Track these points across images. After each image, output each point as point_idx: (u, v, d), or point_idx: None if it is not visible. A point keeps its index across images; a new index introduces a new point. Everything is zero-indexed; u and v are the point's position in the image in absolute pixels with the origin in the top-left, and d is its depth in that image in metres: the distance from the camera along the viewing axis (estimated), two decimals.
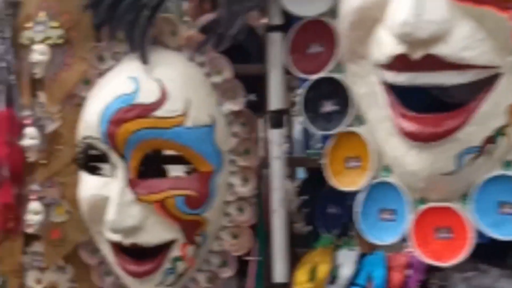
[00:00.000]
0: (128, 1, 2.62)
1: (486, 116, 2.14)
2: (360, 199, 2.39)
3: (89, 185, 2.68)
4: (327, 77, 2.43)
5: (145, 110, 2.50)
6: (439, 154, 2.16)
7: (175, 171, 2.64)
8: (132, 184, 2.55)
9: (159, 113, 2.50)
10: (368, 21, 2.23)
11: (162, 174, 2.64)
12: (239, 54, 2.62)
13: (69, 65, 2.85)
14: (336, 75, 2.42)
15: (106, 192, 2.58)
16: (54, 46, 2.85)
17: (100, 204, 2.61)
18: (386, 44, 2.16)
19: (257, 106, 2.64)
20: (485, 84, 2.12)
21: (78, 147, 2.70)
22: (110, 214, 2.54)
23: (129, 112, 2.52)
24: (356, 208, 2.39)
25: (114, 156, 2.57)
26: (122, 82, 2.57)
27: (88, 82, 2.81)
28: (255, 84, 2.66)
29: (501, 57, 2.09)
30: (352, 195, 2.47)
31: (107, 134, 2.54)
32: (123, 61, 2.71)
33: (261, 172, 2.62)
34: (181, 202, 2.53)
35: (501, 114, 2.14)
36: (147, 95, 2.52)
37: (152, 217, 2.57)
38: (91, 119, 2.60)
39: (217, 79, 2.61)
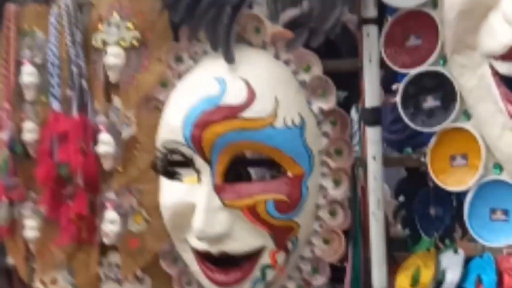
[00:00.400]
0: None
1: None
2: (468, 199, 2.24)
3: (171, 192, 2.55)
4: (429, 71, 2.27)
5: (233, 112, 2.37)
6: None
7: (263, 174, 2.50)
8: (218, 189, 2.42)
9: (247, 114, 2.37)
10: (479, 9, 2.10)
11: (249, 178, 2.50)
12: (327, 49, 2.48)
13: (145, 67, 2.73)
14: (439, 68, 2.25)
15: (191, 199, 2.46)
16: (128, 48, 2.73)
17: (184, 211, 2.48)
18: (501, 32, 2.02)
19: (347, 103, 2.49)
20: None
21: (158, 152, 2.57)
22: (198, 221, 2.41)
23: (216, 114, 2.39)
24: (465, 209, 2.23)
25: (199, 161, 2.44)
26: (206, 83, 2.44)
27: (165, 85, 2.69)
28: (344, 80, 2.51)
29: None
30: (456, 195, 2.32)
31: (192, 138, 2.41)
32: (204, 61, 2.59)
33: (354, 173, 2.45)
34: (272, 207, 2.40)
35: None
36: (234, 96, 2.39)
37: (240, 223, 2.44)
38: (174, 122, 2.47)
39: (305, 76, 2.48)
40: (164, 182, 2.59)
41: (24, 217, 2.99)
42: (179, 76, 2.64)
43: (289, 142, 2.40)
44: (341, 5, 2.29)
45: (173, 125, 2.47)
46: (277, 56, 2.50)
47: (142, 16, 2.72)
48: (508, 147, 2.12)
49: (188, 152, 2.44)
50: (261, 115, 2.37)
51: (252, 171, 2.55)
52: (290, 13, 2.62)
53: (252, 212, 2.41)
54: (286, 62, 2.50)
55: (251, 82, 2.40)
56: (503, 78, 2.08)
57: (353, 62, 2.45)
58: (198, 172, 2.45)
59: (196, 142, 2.40)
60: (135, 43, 2.72)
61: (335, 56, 2.57)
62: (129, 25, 2.72)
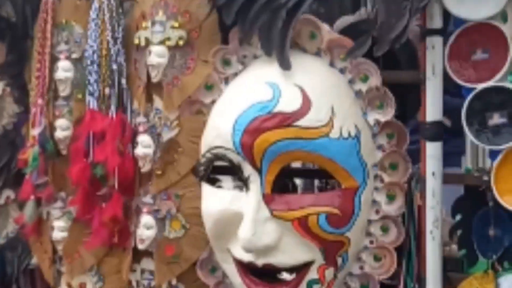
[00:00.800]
0: (262, 1, 2.37)
1: None
2: None
3: (216, 199, 2.45)
4: (496, 86, 2.18)
5: (287, 119, 2.27)
6: None
7: (310, 186, 2.41)
8: (267, 199, 2.33)
9: (302, 122, 2.27)
10: None
11: (294, 189, 2.41)
12: (384, 58, 2.38)
13: (191, 68, 2.62)
14: (507, 85, 2.16)
15: (238, 207, 2.36)
16: (174, 48, 2.63)
17: (230, 220, 2.39)
18: None
19: (403, 116, 2.39)
20: None
21: (203, 157, 2.46)
22: (245, 231, 2.31)
23: (269, 121, 2.29)
24: None
25: (248, 168, 2.34)
26: (259, 88, 2.34)
27: (210, 88, 2.59)
28: (400, 92, 2.41)
29: None
30: None
31: (242, 145, 2.31)
32: (254, 65, 2.48)
33: (410, 188, 2.36)
34: (324, 220, 2.30)
35: None
36: (288, 103, 2.29)
37: (289, 235, 2.34)
38: (223, 127, 2.36)
39: (362, 86, 2.38)
40: (207, 189, 2.50)
41: (53, 218, 2.87)
42: (226, 80, 2.54)
43: (344, 154, 2.30)
44: (408, 14, 2.18)
45: (222, 130, 2.37)
46: (332, 64, 2.41)
47: (189, 15, 2.62)
48: None
49: (236, 159, 2.34)
50: (317, 124, 2.27)
51: (299, 182, 2.44)
52: (347, 19, 2.52)
53: (303, 225, 2.31)
54: (342, 71, 2.41)
55: (306, 90, 2.31)
56: None
57: (414, 74, 2.35)
58: (245, 180, 2.35)
59: (246, 149, 2.30)
60: (181, 43, 2.61)
61: (392, 67, 2.45)
62: (175, 24, 2.62)
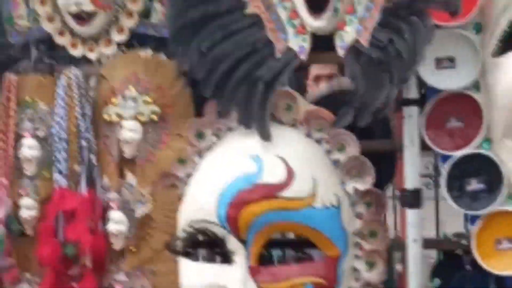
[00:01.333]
0: (239, 74, 2.42)
1: None
2: None
3: (198, 274, 2.44)
4: (474, 154, 2.26)
5: (272, 191, 2.30)
6: None
7: (297, 256, 2.43)
8: (253, 272, 2.34)
9: (287, 194, 2.31)
10: None
11: (282, 260, 2.42)
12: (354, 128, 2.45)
13: (165, 143, 2.63)
14: (484, 152, 2.25)
15: (222, 281, 2.35)
16: (147, 123, 2.62)
17: None
18: None
19: (378, 184, 2.46)
20: None
21: (183, 232, 2.45)
22: None
23: (254, 193, 2.31)
24: None
25: (232, 241, 2.35)
26: (240, 160, 2.37)
27: (183, 161, 2.58)
28: (374, 161, 2.48)
29: None
30: (496, 279, 2.30)
31: (227, 218, 2.32)
32: (230, 138, 2.51)
33: (390, 256, 2.41)
34: None
35: None
36: (272, 175, 2.33)
37: None
38: (205, 201, 2.37)
39: (340, 156, 2.43)
40: (187, 264, 2.47)
41: None
42: (200, 153, 2.54)
43: (327, 223, 2.35)
44: (389, 84, 2.26)
45: (204, 204, 2.38)
46: (308, 135, 2.44)
47: (162, 90, 2.64)
48: None
49: (220, 232, 2.35)
50: (301, 195, 2.31)
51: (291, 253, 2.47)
52: (321, 90, 2.58)
53: None
54: (318, 141, 2.44)
55: (288, 161, 2.34)
56: None
57: (389, 142, 2.42)
58: (230, 253, 2.35)
59: (231, 222, 2.31)
60: (154, 117, 2.61)
61: (364, 135, 2.52)
62: (148, 99, 2.62)
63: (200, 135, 2.56)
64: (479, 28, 2.32)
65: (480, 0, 2.30)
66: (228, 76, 2.44)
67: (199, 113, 2.60)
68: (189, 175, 2.55)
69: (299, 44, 2.44)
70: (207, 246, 2.47)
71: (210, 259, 2.46)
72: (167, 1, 2.64)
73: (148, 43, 2.74)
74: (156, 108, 2.63)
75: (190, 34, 2.49)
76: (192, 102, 2.64)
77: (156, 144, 2.64)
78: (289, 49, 2.44)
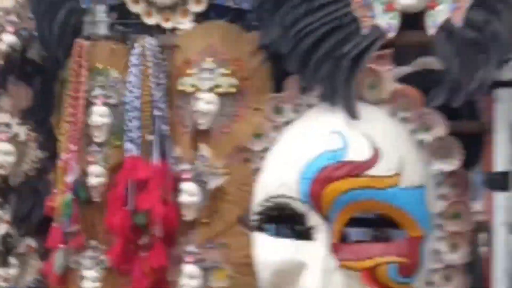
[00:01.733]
0: (323, 50, 2.39)
1: None
2: None
3: (276, 248, 2.41)
4: None
5: (357, 169, 2.28)
6: None
7: (377, 235, 2.41)
8: (336, 249, 2.31)
9: (373, 172, 2.28)
10: None
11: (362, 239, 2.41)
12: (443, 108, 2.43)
13: (241, 116, 2.60)
14: None
15: (302, 257, 2.33)
16: (223, 95, 2.60)
17: (292, 270, 2.36)
18: None
19: (465, 166, 2.44)
20: None
21: (260, 206, 2.43)
22: (312, 282, 2.30)
23: (338, 170, 2.28)
24: None
25: (314, 218, 2.32)
26: (326, 137, 2.34)
27: (260, 136, 2.56)
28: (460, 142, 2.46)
29: None
30: None
31: (310, 194, 2.30)
32: (311, 114, 2.48)
33: (476, 238, 2.39)
34: (394, 270, 2.29)
35: None
36: (358, 152, 2.30)
37: (356, 286, 2.31)
38: (288, 176, 2.34)
39: (425, 136, 2.40)
40: (263, 238, 2.46)
41: (83, 267, 2.78)
42: (277, 128, 2.52)
43: (413, 203, 2.32)
44: (486, 66, 2.23)
45: (285, 179, 2.35)
46: (393, 114, 2.41)
47: (240, 63, 2.62)
48: None
49: (301, 208, 2.33)
50: (387, 174, 2.28)
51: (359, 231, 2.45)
52: (405, 69, 2.55)
53: (372, 275, 2.31)
54: (403, 120, 2.41)
55: (374, 139, 2.31)
56: None
57: (477, 124, 2.39)
58: (310, 229, 2.33)
59: (314, 198, 2.29)
60: (231, 90, 2.59)
61: (450, 115, 2.50)
62: (226, 71, 2.60)
63: (278, 110, 2.54)
64: None
65: None
66: (312, 52, 2.41)
67: (278, 88, 2.56)
68: (265, 150, 2.52)
69: (388, 22, 2.39)
70: (285, 221, 2.45)
71: (288, 235, 2.43)
72: None
73: (225, 14, 2.69)
74: (234, 81, 2.59)
75: (274, 7, 2.46)
76: (271, 77, 2.58)
77: (232, 117, 2.62)
78: (376, 27, 2.39)
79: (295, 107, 2.52)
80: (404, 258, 2.31)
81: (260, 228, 2.47)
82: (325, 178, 2.28)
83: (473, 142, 2.44)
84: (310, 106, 2.50)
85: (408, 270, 2.32)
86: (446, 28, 2.32)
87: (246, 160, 2.56)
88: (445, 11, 2.32)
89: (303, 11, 2.42)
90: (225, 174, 2.62)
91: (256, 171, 2.52)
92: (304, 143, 2.39)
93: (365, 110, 2.40)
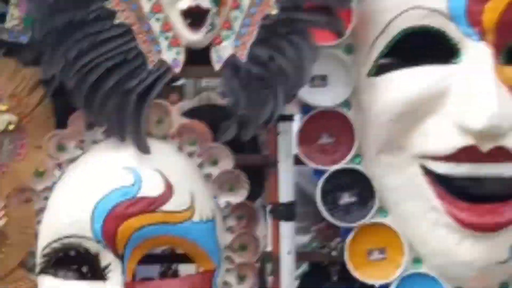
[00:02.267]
0: (109, 85, 2.37)
1: None
2: None
3: None
4: (346, 168, 2.39)
5: (151, 204, 2.28)
6: (496, 244, 2.24)
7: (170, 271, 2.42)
8: (129, 287, 2.27)
9: (166, 207, 2.28)
10: (418, 112, 2.27)
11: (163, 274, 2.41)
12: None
13: (22, 154, 2.49)
14: (355, 166, 2.39)
15: None
16: (2, 133, 2.47)
17: None
18: (446, 135, 2.21)
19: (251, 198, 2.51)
20: None
21: (46, 248, 2.34)
22: None
23: (132, 207, 2.27)
24: None
25: (108, 257, 2.28)
26: (115, 173, 2.31)
27: (42, 174, 2.46)
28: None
29: None
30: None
31: (103, 232, 2.25)
32: (97, 150, 2.44)
33: (263, 268, 2.46)
34: None
35: None
36: (151, 188, 2.30)
37: None
38: (79, 215, 2.28)
39: (212, 170, 2.45)
40: (50, 282, 2.36)
41: None
42: (60, 165, 2.44)
43: (205, 237, 2.36)
44: (273, 101, 2.31)
45: (76, 218, 2.28)
46: (180, 148, 2.44)
47: (18, 99, 2.49)
48: (438, 242, 2.28)
49: (94, 247, 2.27)
50: (180, 208, 2.30)
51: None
52: (189, 103, 2.59)
53: None
54: (190, 155, 2.44)
55: (166, 174, 2.31)
56: (437, 178, 2.24)
57: (264, 157, 2.48)
58: (103, 269, 2.28)
59: (108, 237, 2.25)
60: (10, 127, 2.47)
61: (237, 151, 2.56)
62: (2, 107, 2.47)
63: (61, 147, 2.45)
64: (350, 49, 2.41)
65: (352, 22, 2.37)
66: (98, 87, 2.35)
67: (61, 124, 2.47)
68: (48, 189, 2.42)
69: (173, 57, 2.40)
70: (76, 262, 2.36)
71: (79, 276, 2.35)
72: (28, 6, 2.48)
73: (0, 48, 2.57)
74: (13, 117, 2.46)
75: (56, 41, 2.38)
76: (55, 113, 2.50)
77: (12, 156, 2.47)
78: (162, 61, 2.39)
79: (79, 144, 2.45)
80: None
81: (47, 272, 2.36)
82: (118, 216, 2.25)
83: (257, 175, 2.50)
84: (95, 142, 2.44)
85: None
86: (231, 63, 2.36)
87: (28, 200, 2.43)
88: (230, 47, 2.35)
89: (87, 45, 2.36)
90: (5, 216, 2.45)
91: (40, 211, 2.40)
92: (94, 180, 2.34)
93: (153, 145, 2.38)
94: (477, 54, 2.22)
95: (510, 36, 2.25)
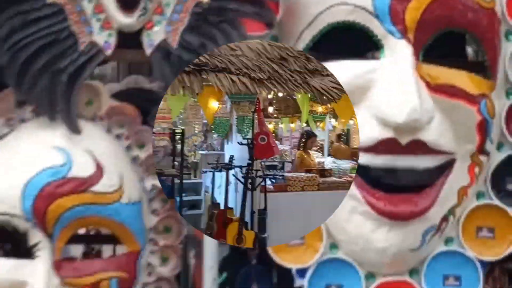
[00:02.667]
0: (39, 64, 2.39)
1: (445, 197, 2.39)
2: (308, 275, 2.46)
3: None
4: None
5: (82, 185, 2.31)
6: (409, 232, 2.37)
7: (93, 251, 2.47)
8: (57, 266, 2.31)
9: (97, 188, 2.33)
10: None
11: (85, 254, 2.45)
12: None
13: None
14: None
15: (22, 277, 2.30)
16: None
17: None
18: (368, 128, 2.32)
19: None
20: (445, 168, 2.38)
21: None
22: None
23: (63, 187, 2.30)
24: (305, 286, 2.46)
25: (37, 235, 2.30)
26: (46, 152, 2.33)
27: None
28: None
29: (458, 145, 2.38)
30: (278, 273, 2.53)
31: (34, 211, 2.27)
32: (26, 129, 2.44)
33: (185, 250, 2.53)
34: (115, 285, 2.37)
35: (454, 196, 2.42)
36: (82, 169, 2.33)
37: None
38: (8, 193, 2.29)
39: (140, 153, 2.50)
40: None
41: None
42: None
43: (132, 218, 2.41)
44: None
45: (5, 196, 2.29)
46: (109, 130, 2.48)
47: None
48: (355, 229, 2.40)
49: (23, 225, 2.28)
50: (110, 189, 2.35)
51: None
52: (116, 86, 2.61)
53: None
54: (118, 137, 2.48)
55: (96, 155, 2.36)
56: (358, 168, 2.35)
57: None
58: (31, 248, 2.30)
59: (38, 216, 2.27)
60: None
61: None
62: None
63: None
64: (276, 40, 2.49)
65: (279, 14, 2.45)
66: (29, 65, 2.36)
67: None
68: None
69: (104, 39, 2.43)
70: (3, 240, 2.37)
71: (5, 254, 2.36)
72: None
73: None
74: None
75: None
76: None
77: None
78: (93, 43, 2.42)
79: (8, 122, 2.45)
80: (124, 272, 2.39)
81: None
82: (49, 195, 2.28)
83: None
84: (23, 121, 2.45)
85: (126, 284, 2.40)
86: (162, 48, 2.40)
87: None
88: (161, 32, 2.39)
89: (19, 24, 2.36)
90: None
91: None
92: (24, 159, 2.35)
93: (83, 126, 2.41)
94: (399, 51, 2.32)
95: (429, 34, 2.35)
